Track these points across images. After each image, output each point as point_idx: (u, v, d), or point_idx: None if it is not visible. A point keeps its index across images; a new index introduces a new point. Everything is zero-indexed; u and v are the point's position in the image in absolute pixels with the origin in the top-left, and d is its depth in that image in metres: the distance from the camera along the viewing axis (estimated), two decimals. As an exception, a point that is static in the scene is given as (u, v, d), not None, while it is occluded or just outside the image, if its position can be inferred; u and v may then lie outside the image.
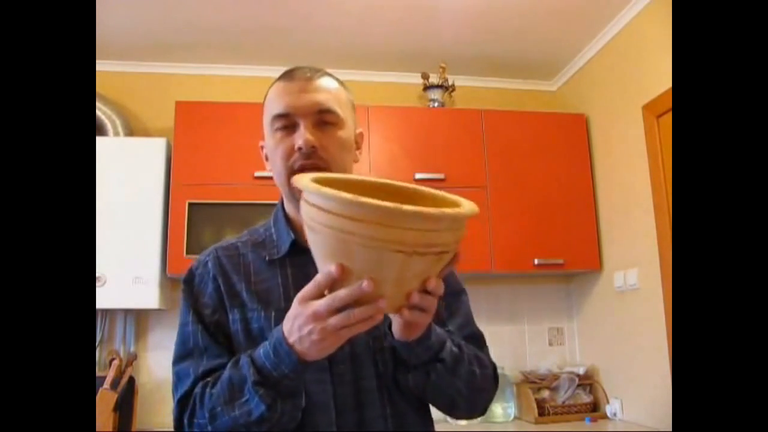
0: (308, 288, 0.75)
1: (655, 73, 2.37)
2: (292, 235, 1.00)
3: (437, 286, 0.75)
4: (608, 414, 2.63)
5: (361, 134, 1.07)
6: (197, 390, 0.90)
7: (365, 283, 0.69)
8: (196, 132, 2.60)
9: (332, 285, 0.72)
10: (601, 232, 2.80)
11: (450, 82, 3.02)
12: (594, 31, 2.75)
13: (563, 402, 2.67)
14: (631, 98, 2.54)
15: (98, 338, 2.68)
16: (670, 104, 2.27)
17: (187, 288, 1.02)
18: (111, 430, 2.38)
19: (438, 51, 2.90)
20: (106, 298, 2.38)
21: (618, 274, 2.63)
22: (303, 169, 0.94)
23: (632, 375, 2.53)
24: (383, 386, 0.96)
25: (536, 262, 2.68)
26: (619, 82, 2.66)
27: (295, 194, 0.93)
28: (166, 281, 2.60)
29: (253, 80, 3.03)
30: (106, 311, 2.69)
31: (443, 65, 2.99)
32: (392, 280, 0.71)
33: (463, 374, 0.95)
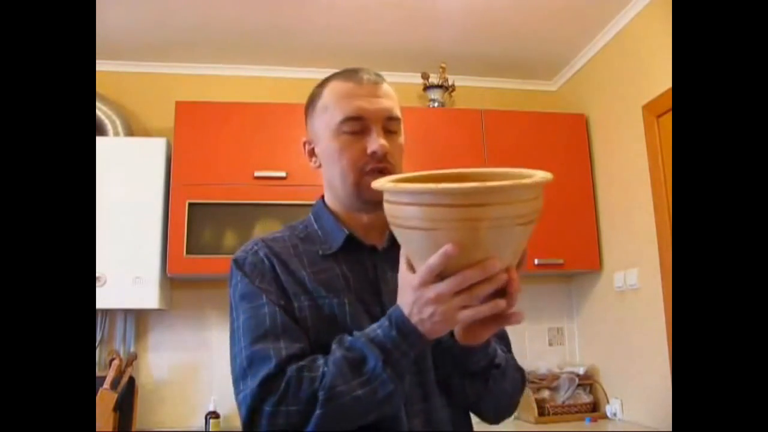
0: (422, 273, 0.74)
1: (655, 73, 2.37)
2: (346, 231, 1.01)
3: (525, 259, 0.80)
4: (608, 414, 2.63)
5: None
6: (291, 374, 0.84)
7: (491, 262, 0.71)
8: (196, 132, 2.59)
9: (443, 269, 0.73)
10: (601, 232, 2.80)
11: (450, 82, 3.02)
12: (594, 31, 2.75)
13: (563, 402, 2.67)
14: (631, 98, 2.54)
15: (98, 338, 2.68)
16: (670, 104, 2.27)
17: (242, 273, 0.97)
18: (111, 430, 2.38)
19: (438, 51, 2.90)
20: (106, 298, 2.38)
21: (618, 274, 2.63)
22: (374, 173, 0.97)
23: (632, 375, 2.53)
24: (440, 381, 0.98)
25: (536, 262, 2.68)
26: (619, 82, 2.66)
27: (365, 195, 0.97)
28: (166, 281, 2.60)
29: (253, 80, 3.03)
30: (106, 311, 2.69)
31: (443, 65, 2.99)
32: (510, 254, 0.74)
33: (510, 379, 1.00)
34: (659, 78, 2.33)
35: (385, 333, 0.82)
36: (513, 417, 2.72)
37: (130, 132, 2.76)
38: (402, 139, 1.04)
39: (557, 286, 3.09)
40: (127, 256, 2.45)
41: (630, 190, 2.56)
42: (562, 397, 2.68)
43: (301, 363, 0.85)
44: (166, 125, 2.73)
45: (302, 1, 2.46)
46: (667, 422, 2.25)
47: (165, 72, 2.98)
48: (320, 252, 1.01)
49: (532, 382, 2.73)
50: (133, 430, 2.48)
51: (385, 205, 0.77)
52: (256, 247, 1.01)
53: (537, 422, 2.58)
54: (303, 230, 1.06)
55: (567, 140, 2.87)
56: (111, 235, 2.43)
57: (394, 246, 1.01)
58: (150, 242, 2.48)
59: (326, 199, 1.08)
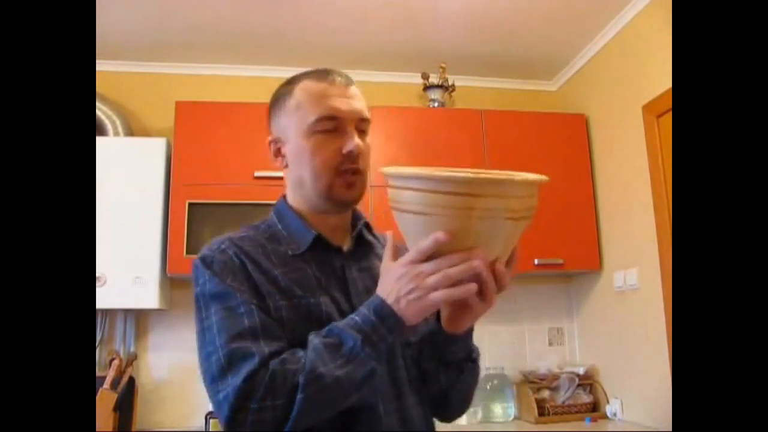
0: (413, 254, 0.80)
1: (655, 73, 2.37)
2: (314, 232, 1.01)
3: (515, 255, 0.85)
4: (608, 414, 2.63)
5: None
6: (274, 368, 0.82)
7: (475, 251, 0.77)
8: (196, 132, 2.59)
9: (433, 253, 0.78)
10: (601, 232, 2.80)
11: (450, 82, 3.02)
12: (594, 31, 2.75)
13: (563, 402, 2.67)
14: (631, 98, 2.54)
15: (98, 338, 2.68)
16: (670, 104, 2.27)
17: (211, 271, 0.94)
18: (111, 430, 2.38)
19: (438, 51, 2.90)
20: (106, 298, 2.38)
21: (618, 274, 2.63)
22: (347, 173, 0.99)
23: (632, 375, 2.53)
24: (411, 378, 1.00)
25: (536, 262, 2.68)
26: (619, 82, 2.66)
27: (336, 196, 0.99)
28: (166, 281, 2.60)
29: (253, 80, 3.03)
30: (106, 311, 2.69)
31: (443, 65, 2.99)
32: (498, 247, 0.80)
33: (477, 373, 1.06)
34: (659, 78, 2.33)
35: (363, 318, 0.84)
36: (513, 417, 2.72)
37: (130, 132, 2.76)
38: (369, 140, 1.05)
39: (557, 286, 3.09)
40: (127, 256, 2.45)
41: (630, 190, 2.56)
42: (562, 397, 2.68)
43: (283, 356, 0.85)
44: (166, 125, 2.73)
45: (302, 1, 2.46)
46: (667, 422, 2.25)
47: (165, 72, 2.98)
48: (289, 252, 1.00)
49: (532, 382, 2.73)
50: (133, 430, 2.48)
51: (389, 190, 0.83)
52: (223, 246, 0.97)
53: (537, 422, 2.58)
54: (267, 230, 1.04)
55: (567, 140, 2.87)
56: (111, 235, 2.43)
57: (358, 247, 1.06)
58: (150, 242, 2.48)
59: (290, 199, 1.07)
